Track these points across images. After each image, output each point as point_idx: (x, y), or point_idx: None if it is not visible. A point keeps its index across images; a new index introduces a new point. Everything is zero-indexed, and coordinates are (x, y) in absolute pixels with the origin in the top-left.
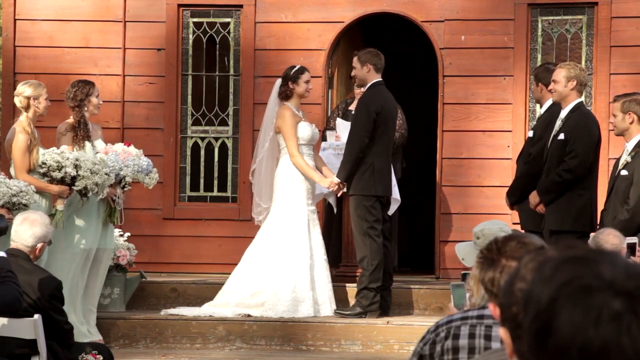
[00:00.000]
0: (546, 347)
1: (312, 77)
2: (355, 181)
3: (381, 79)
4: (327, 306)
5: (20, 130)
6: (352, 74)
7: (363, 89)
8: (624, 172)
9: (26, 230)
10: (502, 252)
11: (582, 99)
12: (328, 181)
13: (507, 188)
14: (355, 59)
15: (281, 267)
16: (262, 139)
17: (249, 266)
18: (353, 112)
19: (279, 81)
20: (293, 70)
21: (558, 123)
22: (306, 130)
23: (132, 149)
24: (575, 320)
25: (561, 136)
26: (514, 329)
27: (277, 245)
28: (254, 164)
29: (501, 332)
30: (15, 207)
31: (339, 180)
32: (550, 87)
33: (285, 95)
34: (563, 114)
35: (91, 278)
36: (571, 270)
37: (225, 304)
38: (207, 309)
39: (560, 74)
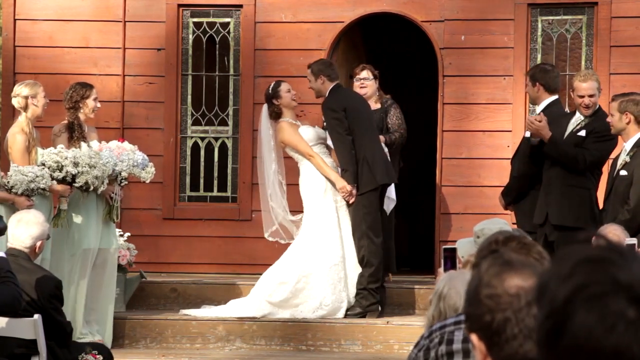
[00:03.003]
0: (557, 347)
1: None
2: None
3: (338, 82)
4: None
5: (19, 130)
6: (308, 86)
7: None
8: (623, 172)
9: (23, 232)
10: (483, 257)
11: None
12: (343, 184)
13: (503, 188)
14: (308, 71)
15: (319, 271)
16: (267, 164)
17: (285, 270)
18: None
19: (265, 107)
20: (270, 89)
21: (578, 122)
22: (308, 131)
23: (126, 144)
24: (589, 325)
25: (582, 133)
26: (490, 336)
27: (313, 250)
28: (268, 188)
29: (473, 339)
30: (34, 192)
31: (352, 187)
32: (586, 101)
33: (275, 114)
34: (580, 117)
35: (96, 278)
36: (589, 272)
37: (255, 301)
38: (233, 305)
39: (594, 86)
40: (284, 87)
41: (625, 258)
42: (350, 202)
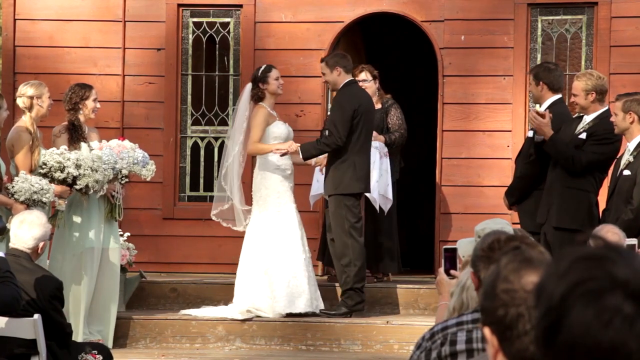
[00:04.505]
0: (554, 344)
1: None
2: (337, 180)
3: (352, 78)
4: (322, 303)
5: (23, 130)
6: (323, 80)
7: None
8: (626, 172)
9: (25, 233)
10: (504, 252)
11: (607, 107)
12: (287, 144)
13: (507, 188)
14: (322, 64)
15: (274, 265)
16: (231, 144)
17: (248, 272)
18: (328, 113)
19: (248, 86)
20: (260, 71)
21: (582, 125)
22: (281, 128)
23: (126, 142)
24: (585, 321)
25: (583, 135)
26: (502, 331)
27: (269, 245)
28: (223, 169)
29: (485, 332)
30: (34, 204)
31: (297, 147)
32: (571, 100)
33: (258, 97)
34: (588, 118)
35: (97, 279)
36: (585, 269)
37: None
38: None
39: (577, 86)
40: (273, 73)
41: (622, 255)
42: (280, 154)
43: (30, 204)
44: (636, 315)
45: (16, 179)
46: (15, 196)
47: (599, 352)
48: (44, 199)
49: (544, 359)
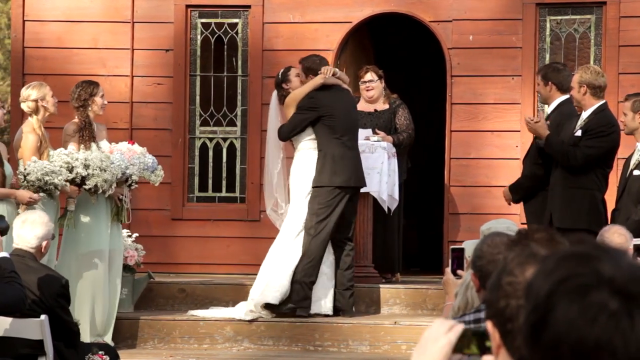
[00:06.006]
0: (540, 341)
1: None
2: (317, 173)
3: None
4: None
5: (30, 130)
6: (300, 79)
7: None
8: (636, 172)
9: (28, 233)
10: (530, 238)
11: (603, 101)
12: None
13: (511, 183)
14: (300, 66)
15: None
16: (271, 159)
17: (271, 266)
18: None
19: (274, 93)
20: (281, 74)
21: (579, 123)
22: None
23: (136, 147)
24: (570, 317)
25: (578, 133)
26: (503, 323)
27: (296, 244)
28: (273, 187)
29: (489, 327)
30: (46, 186)
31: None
32: (570, 92)
33: (285, 98)
34: (585, 115)
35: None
36: (571, 266)
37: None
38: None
39: (574, 79)
40: (293, 71)
41: (608, 253)
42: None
43: (42, 185)
44: (622, 311)
45: (28, 162)
46: (28, 177)
47: (584, 349)
48: (55, 181)
49: (531, 357)
